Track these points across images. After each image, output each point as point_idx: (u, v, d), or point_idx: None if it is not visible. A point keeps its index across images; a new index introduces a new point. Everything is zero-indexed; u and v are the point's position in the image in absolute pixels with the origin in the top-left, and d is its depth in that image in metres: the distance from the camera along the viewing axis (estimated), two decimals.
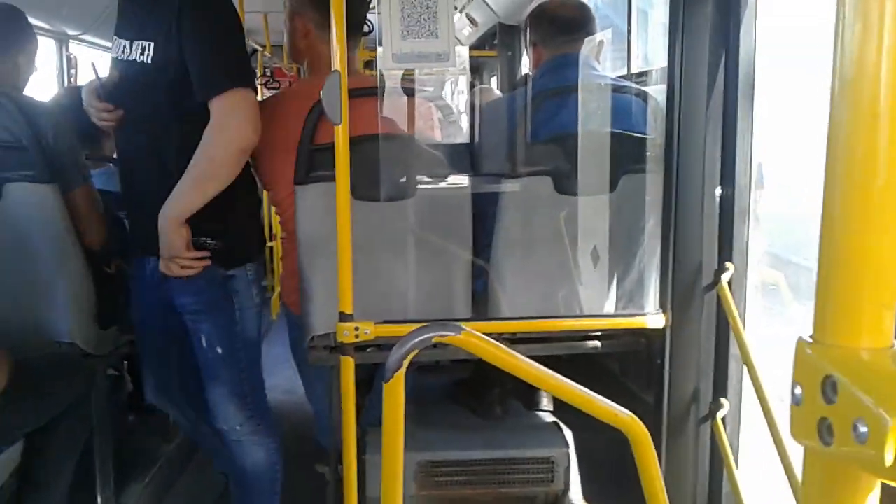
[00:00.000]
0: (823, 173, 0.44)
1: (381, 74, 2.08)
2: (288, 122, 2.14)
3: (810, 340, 0.46)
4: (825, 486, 0.48)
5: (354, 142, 1.88)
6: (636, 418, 1.32)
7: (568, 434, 2.28)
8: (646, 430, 1.31)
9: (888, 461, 0.40)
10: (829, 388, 0.44)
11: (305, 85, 2.29)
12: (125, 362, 3.50)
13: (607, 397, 1.33)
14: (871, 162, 0.42)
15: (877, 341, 0.44)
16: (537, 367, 1.34)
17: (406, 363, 1.34)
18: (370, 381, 2.58)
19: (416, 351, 1.33)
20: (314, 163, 2.06)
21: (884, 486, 0.47)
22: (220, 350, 2.19)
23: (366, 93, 2.05)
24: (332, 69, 1.84)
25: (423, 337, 1.31)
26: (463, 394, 2.69)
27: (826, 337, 0.45)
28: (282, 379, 4.17)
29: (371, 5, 2.37)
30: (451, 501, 2.27)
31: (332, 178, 1.87)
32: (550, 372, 1.34)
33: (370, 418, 2.47)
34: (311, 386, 2.58)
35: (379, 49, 1.99)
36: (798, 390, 0.47)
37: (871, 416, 0.41)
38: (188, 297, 2.16)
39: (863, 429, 0.41)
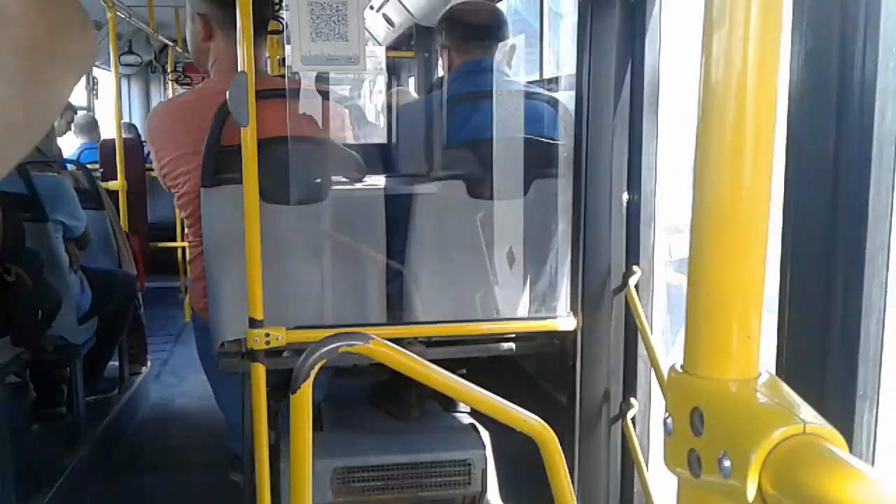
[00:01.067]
0: (690, 206, 0.44)
1: (294, 75, 2.03)
2: (194, 122, 2.08)
3: (680, 370, 0.47)
4: None
5: (263, 144, 1.84)
6: (545, 424, 1.33)
7: (485, 435, 2.29)
8: (554, 437, 1.33)
9: (750, 496, 0.41)
10: (696, 419, 0.45)
11: (212, 85, 2.22)
12: (27, 370, 3.36)
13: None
14: (736, 196, 0.43)
15: (743, 372, 0.45)
16: (447, 375, 1.34)
17: (314, 374, 1.32)
18: (286, 385, 2.53)
19: (324, 361, 1.31)
20: (221, 165, 2.00)
21: None
22: None
23: (273, 94, 2.01)
24: (239, 70, 1.80)
25: (330, 347, 1.29)
26: (380, 396, 2.67)
27: (695, 368, 0.46)
28: (195, 384, 4.07)
29: (276, 4, 2.31)
30: None
31: (240, 181, 1.82)
32: (460, 380, 1.34)
33: (287, 424, 2.42)
34: (222, 392, 2.52)
35: (288, 48, 1.95)
36: (669, 420, 0.47)
37: (735, 449, 0.41)
38: None
39: (726, 463, 0.42)
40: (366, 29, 5.25)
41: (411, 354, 1.31)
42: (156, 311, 5.31)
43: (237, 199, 1.84)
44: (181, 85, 8.19)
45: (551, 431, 1.32)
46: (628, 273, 1.91)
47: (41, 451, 3.14)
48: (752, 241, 0.43)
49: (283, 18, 2.38)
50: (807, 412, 0.41)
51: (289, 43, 1.92)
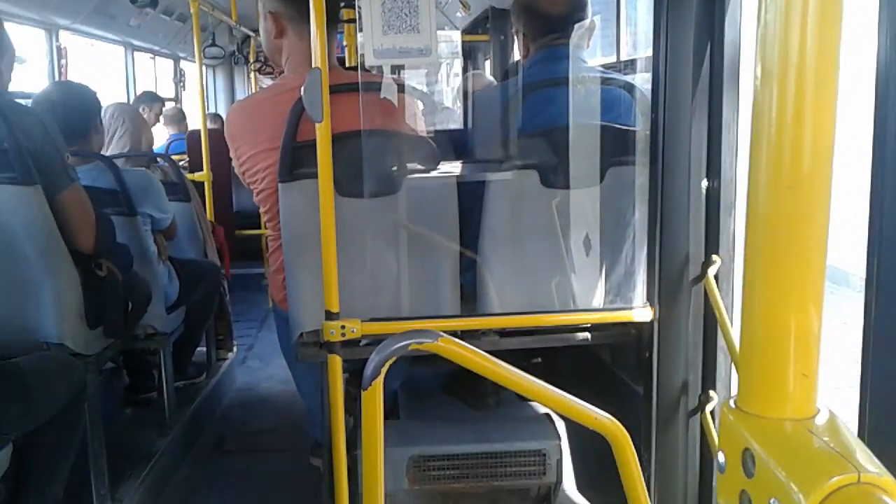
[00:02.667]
0: (744, 244, 0.42)
1: (366, 69, 2.03)
2: (270, 120, 2.12)
3: (734, 406, 0.45)
4: None
5: (337, 138, 1.86)
6: (616, 422, 1.31)
7: (560, 425, 2.27)
8: (626, 435, 1.30)
9: None
10: (748, 460, 0.42)
11: (286, 82, 2.25)
12: (120, 356, 3.51)
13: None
14: (792, 229, 0.41)
15: (799, 411, 0.42)
16: (516, 372, 1.33)
17: (384, 371, 1.33)
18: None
19: (394, 358, 1.32)
20: (298, 160, 2.04)
21: None
22: None
23: (346, 88, 2.02)
24: (313, 65, 1.82)
25: (399, 345, 1.30)
26: (455, 385, 2.69)
27: (748, 405, 0.43)
28: (279, 369, 4.17)
29: None
30: (445, 495, 2.27)
31: (316, 176, 1.85)
32: (530, 377, 1.33)
33: None
34: (302, 381, 2.58)
35: (360, 36, 1.95)
36: (722, 458, 0.45)
37: (786, 496, 0.39)
38: None
39: None
40: (442, 13, 5.24)
41: (479, 351, 1.31)
42: (241, 297, 5.46)
43: (314, 193, 1.87)
44: (264, 74, 8.36)
45: (623, 429, 1.29)
46: (707, 263, 1.85)
47: (133, 434, 3.28)
48: (809, 274, 0.41)
49: (359, 7, 2.37)
50: (864, 457, 0.39)
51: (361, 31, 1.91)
